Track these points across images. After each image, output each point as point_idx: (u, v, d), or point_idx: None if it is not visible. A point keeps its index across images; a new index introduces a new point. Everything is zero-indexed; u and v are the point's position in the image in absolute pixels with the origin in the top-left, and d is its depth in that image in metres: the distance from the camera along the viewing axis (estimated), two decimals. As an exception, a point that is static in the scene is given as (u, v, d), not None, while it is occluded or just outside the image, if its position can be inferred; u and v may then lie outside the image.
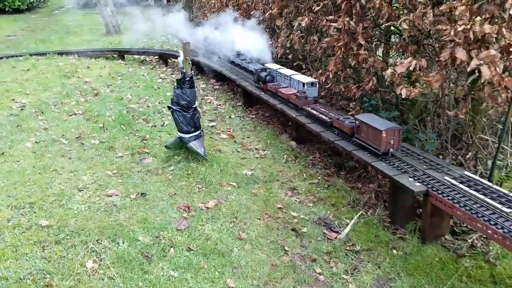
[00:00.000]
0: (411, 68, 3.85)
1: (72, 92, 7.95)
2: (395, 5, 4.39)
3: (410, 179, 3.40)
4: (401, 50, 4.50)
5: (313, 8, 5.21)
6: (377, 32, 4.98)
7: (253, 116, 6.61)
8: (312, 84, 5.30)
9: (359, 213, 3.91)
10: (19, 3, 19.72)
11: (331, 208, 4.08)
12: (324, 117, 4.69)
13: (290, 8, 6.08)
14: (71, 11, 21.49)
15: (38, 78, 8.97)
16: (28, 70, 9.62)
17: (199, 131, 4.89)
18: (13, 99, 7.56)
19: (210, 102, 7.41)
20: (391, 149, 3.81)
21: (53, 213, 3.96)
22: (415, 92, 3.88)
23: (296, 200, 4.24)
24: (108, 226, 3.77)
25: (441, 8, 3.52)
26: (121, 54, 10.83)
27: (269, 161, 5.09)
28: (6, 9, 19.42)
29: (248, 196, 4.30)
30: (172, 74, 9.34)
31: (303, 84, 5.31)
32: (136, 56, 10.94)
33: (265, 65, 6.46)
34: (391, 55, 5.00)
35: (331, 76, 5.08)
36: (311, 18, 5.38)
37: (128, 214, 3.96)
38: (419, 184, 3.31)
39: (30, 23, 17.67)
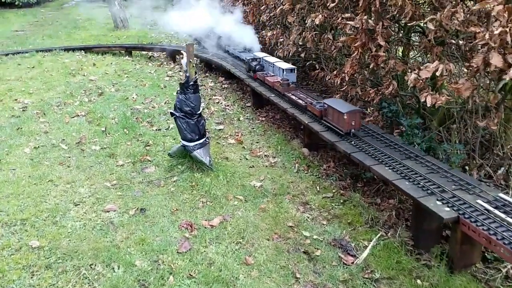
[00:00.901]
0: (437, 74, 3.45)
1: (76, 92, 7.66)
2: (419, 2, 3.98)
3: (438, 202, 3.01)
4: (424, 51, 4.10)
5: (328, 4, 4.80)
6: (397, 31, 4.56)
7: (263, 119, 6.24)
8: (291, 70, 5.86)
9: (379, 235, 3.54)
10: (29, -3, 19.53)
11: (347, 228, 3.71)
12: (300, 101, 5.13)
13: (303, 3, 5.66)
14: (81, 4, 21.24)
15: (42, 76, 8.70)
16: (33, 67, 9.36)
17: (204, 139, 4.55)
18: (15, 99, 7.31)
19: (218, 102, 7.06)
20: (353, 130, 4.26)
21: (45, 232, 3.66)
22: (441, 100, 3.48)
23: (308, 217, 3.89)
24: (103, 248, 3.46)
25: (473, 8, 3.10)
26: (128, 50, 10.51)
27: (279, 171, 4.73)
28: (16, 2, 19.23)
29: (256, 212, 3.95)
30: (180, 71, 8.99)
31: (283, 70, 5.86)
32: (143, 52, 10.61)
33: (254, 53, 6.86)
34: (413, 56, 4.57)
35: (347, 78, 4.69)
36: (325, 15, 4.97)
37: (125, 233, 3.65)
38: (448, 209, 2.92)
39: (39, 17, 17.45)
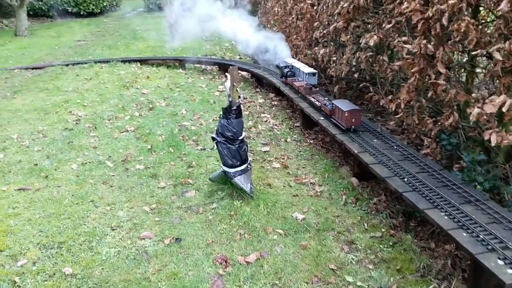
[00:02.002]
0: (504, 109, 3.06)
1: (128, 105, 7.75)
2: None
3: (500, 261, 2.61)
4: (490, 81, 3.67)
5: (383, 25, 4.47)
6: (460, 57, 4.15)
7: (312, 141, 5.95)
8: (313, 74, 6.39)
9: (431, 287, 3.17)
10: (93, 7, 20.40)
11: (396, 275, 3.36)
12: (317, 103, 5.71)
13: (358, 22, 5.35)
14: (142, 15, 21.92)
15: (98, 88, 8.92)
16: (90, 79, 9.64)
17: (245, 165, 4.35)
18: (70, 111, 7.51)
19: (267, 121, 6.86)
20: (353, 126, 4.84)
21: (80, 258, 3.61)
22: (508, 139, 3.07)
23: (353, 259, 3.56)
24: (134, 280, 3.34)
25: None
26: (182, 62, 10.58)
27: (325, 202, 4.43)
28: (81, 12, 20.16)
29: (296, 249, 3.69)
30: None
31: (306, 74, 6.39)
32: (197, 65, 10.64)
33: (285, 60, 7.25)
34: (476, 84, 4.13)
35: (402, 105, 4.32)
36: (381, 36, 4.64)
37: (158, 265, 3.51)
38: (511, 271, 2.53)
39: (101, 27, 18.15)
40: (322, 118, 5.43)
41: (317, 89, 6.28)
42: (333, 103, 5.17)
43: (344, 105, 4.94)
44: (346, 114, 4.79)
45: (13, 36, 16.22)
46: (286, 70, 6.97)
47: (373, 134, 4.80)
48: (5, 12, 18.26)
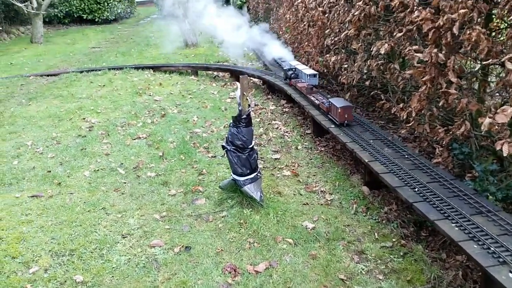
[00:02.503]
0: (517, 119, 3.01)
1: (141, 112, 7.83)
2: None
3: (511, 274, 2.57)
4: (502, 90, 3.63)
5: (394, 33, 4.45)
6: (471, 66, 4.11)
7: (322, 149, 5.93)
8: (314, 75, 6.88)
9: (442, 299, 3.13)
10: (108, 14, 20.68)
11: (406, 286, 3.32)
12: (316, 101, 6.19)
13: (369, 29, 5.34)
14: (155, 21, 22.14)
15: (111, 95, 9.02)
16: (103, 86, 9.76)
17: (255, 174, 4.35)
18: (84, 118, 7.60)
19: (278, 128, 6.86)
20: (346, 121, 5.32)
21: (91, 266, 3.64)
22: (521, 149, 3.03)
23: (363, 269, 3.54)
24: (144, 289, 3.36)
25: None
26: (195, 69, 10.65)
27: (335, 211, 4.41)
28: (96, 19, 20.46)
29: (305, 259, 3.67)
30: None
31: (307, 75, 6.89)
32: (209, 72, 10.71)
33: (289, 63, 7.85)
34: (489, 92, 4.08)
35: (413, 114, 4.29)
36: (392, 44, 4.62)
37: (167, 273, 3.53)
38: (525, 286, 2.48)
39: (115, 34, 18.40)
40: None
41: (318, 89, 6.82)
42: (329, 101, 5.63)
43: (338, 102, 5.41)
44: (340, 110, 5.28)
45: (29, 43, 16.53)
46: (290, 72, 7.45)
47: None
48: (21, 19, 18.61)
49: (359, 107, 6.87)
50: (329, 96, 6.53)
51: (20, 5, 15.20)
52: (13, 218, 4.38)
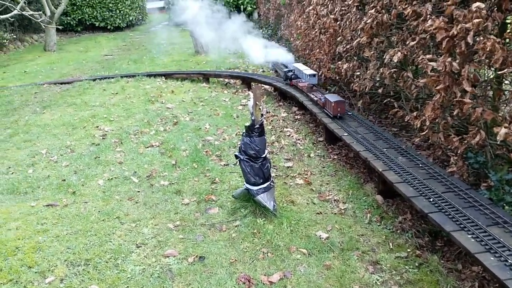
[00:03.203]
0: (534, 129, 2.98)
1: (153, 120, 7.88)
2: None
3: (533, 290, 2.54)
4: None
5: (407, 42, 4.44)
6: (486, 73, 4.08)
7: (335, 157, 5.92)
8: (313, 75, 7.39)
9: (459, 311, 3.10)
10: (120, 22, 20.90)
11: (422, 298, 3.30)
12: (314, 97, 6.78)
13: (381, 37, 5.32)
14: (167, 28, 22.30)
15: (124, 102, 9.10)
16: (116, 93, 9.85)
17: (268, 183, 4.36)
18: (97, 126, 7.68)
19: (290, 135, 6.86)
20: (339, 114, 5.94)
21: (106, 276, 3.66)
22: (539, 160, 2.99)
23: (378, 280, 3.51)
24: (159, 299, 3.38)
25: None
26: (206, 76, 10.71)
27: (349, 220, 4.39)
28: (108, 27, 20.68)
29: (320, 269, 3.66)
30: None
31: (307, 75, 7.40)
32: (220, 79, 10.76)
33: (289, 65, 8.46)
34: (503, 101, 4.04)
35: (427, 122, 4.26)
36: (405, 52, 4.60)
37: (182, 284, 3.54)
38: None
39: (127, 41, 18.57)
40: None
41: (317, 88, 7.38)
42: (324, 97, 6.28)
43: (332, 97, 6.08)
44: (333, 104, 5.90)
45: (43, 51, 16.75)
46: (290, 73, 8.01)
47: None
48: (35, 27, 18.89)
49: (371, 114, 6.84)
50: (324, 94, 6.90)
51: (34, 13, 15.42)
52: (29, 227, 4.43)
